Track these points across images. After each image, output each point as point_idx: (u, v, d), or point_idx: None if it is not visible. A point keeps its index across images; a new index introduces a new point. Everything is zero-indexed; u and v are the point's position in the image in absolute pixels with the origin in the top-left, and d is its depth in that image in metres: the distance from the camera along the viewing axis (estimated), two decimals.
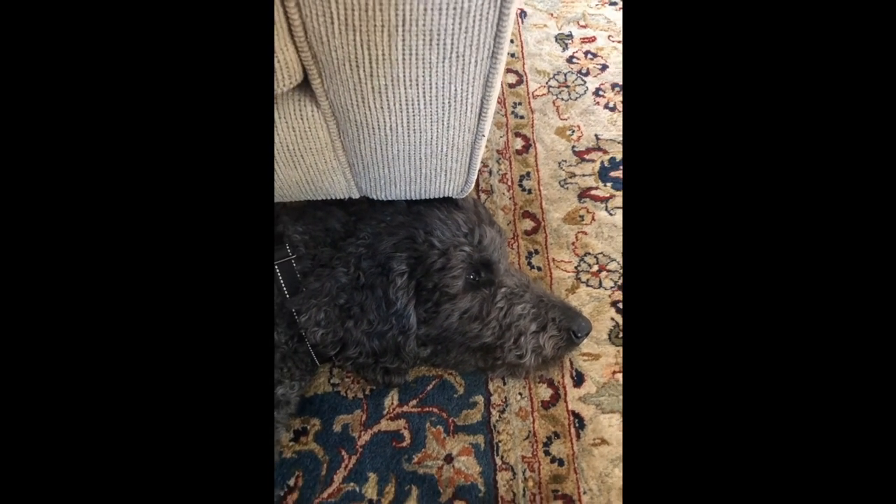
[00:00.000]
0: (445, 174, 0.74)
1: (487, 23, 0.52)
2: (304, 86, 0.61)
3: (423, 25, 0.51)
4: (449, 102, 0.61)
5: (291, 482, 0.80)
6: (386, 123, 0.63)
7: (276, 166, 0.70)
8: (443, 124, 0.64)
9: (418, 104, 0.60)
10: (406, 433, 0.83)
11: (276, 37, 0.52)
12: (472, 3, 0.50)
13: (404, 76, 0.57)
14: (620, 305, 0.94)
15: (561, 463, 0.81)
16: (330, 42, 0.53)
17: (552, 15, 1.31)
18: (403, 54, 0.54)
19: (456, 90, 0.59)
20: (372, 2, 0.49)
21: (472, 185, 0.77)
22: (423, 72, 0.56)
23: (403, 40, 0.53)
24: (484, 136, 0.68)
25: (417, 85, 0.58)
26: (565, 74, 1.22)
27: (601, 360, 0.89)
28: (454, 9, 0.50)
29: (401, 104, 0.60)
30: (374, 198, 0.80)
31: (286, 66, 0.56)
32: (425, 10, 0.50)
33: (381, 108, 0.61)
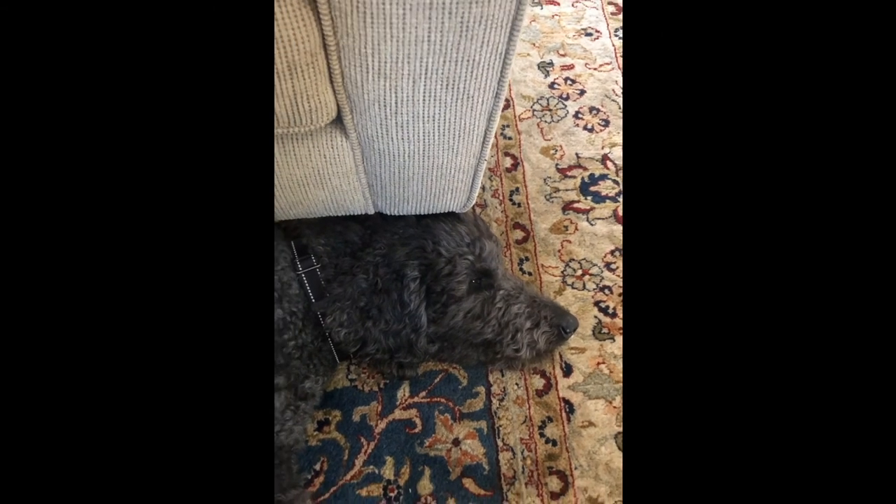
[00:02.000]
0: (451, 193, 0.85)
1: (493, 71, 0.64)
2: (337, 121, 0.72)
3: (442, 74, 0.63)
4: (459, 134, 0.72)
5: (318, 467, 0.89)
6: (405, 152, 0.74)
7: (306, 188, 0.81)
8: (452, 152, 0.75)
9: (433, 136, 0.72)
10: (418, 421, 0.94)
11: (317, 82, 0.63)
12: (482, 56, 0.62)
13: (423, 113, 0.68)
14: (602, 305, 1.06)
15: (554, 443, 0.93)
16: (363, 87, 0.65)
17: (534, 45, 1.44)
18: (424, 96, 0.66)
19: (465, 124, 0.71)
20: (401, 56, 0.61)
21: (474, 201, 0.89)
22: (439, 110, 0.68)
23: (425, 85, 0.64)
24: (485, 160, 0.80)
25: (434, 120, 0.69)
26: (548, 99, 1.35)
27: (587, 352, 1.01)
28: (467, 61, 0.62)
29: (419, 136, 0.72)
30: (387, 213, 0.91)
31: (325, 106, 0.67)
32: (444, 62, 0.62)
33: (402, 139, 0.72)
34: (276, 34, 0.56)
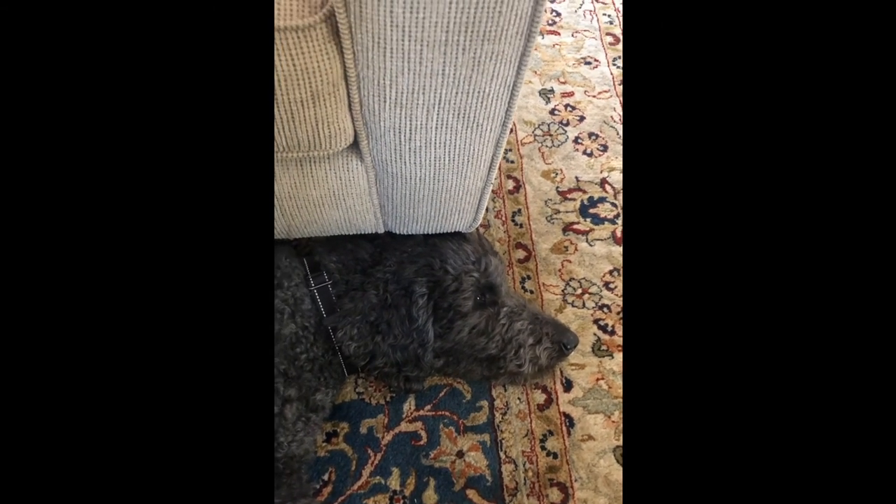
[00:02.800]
0: (458, 213, 0.90)
1: (502, 102, 0.69)
2: (353, 146, 0.76)
3: (454, 104, 0.68)
4: (468, 159, 0.77)
5: (326, 477, 0.92)
6: (416, 175, 0.79)
7: (321, 208, 0.85)
8: (461, 176, 0.80)
9: (444, 160, 0.76)
10: (423, 433, 0.97)
11: (337, 110, 0.68)
12: (491, 88, 0.67)
13: (436, 140, 0.73)
14: (601, 323, 1.10)
15: (555, 456, 0.96)
16: (380, 115, 0.69)
17: (536, 72, 1.50)
18: (437, 124, 0.70)
19: (474, 150, 0.76)
20: (416, 87, 0.65)
21: (480, 221, 0.94)
22: (451, 137, 0.73)
23: (438, 114, 0.69)
24: (492, 183, 0.84)
25: (445, 146, 0.74)
26: (548, 125, 1.40)
27: (586, 368, 1.05)
28: (478, 92, 0.67)
29: (430, 161, 0.76)
30: (397, 232, 0.96)
31: (343, 132, 0.71)
32: (457, 93, 0.66)
33: (415, 163, 0.76)
34: (302, 65, 0.61)
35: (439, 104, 0.68)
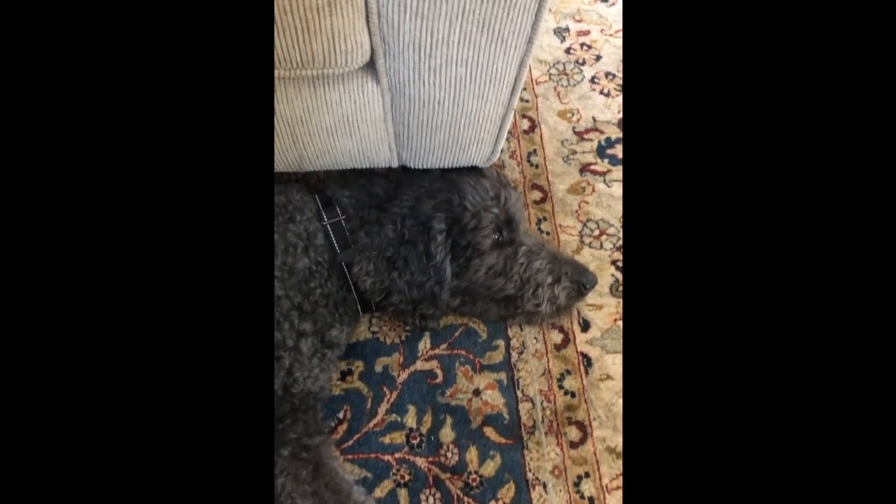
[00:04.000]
0: (477, 144, 0.86)
1: (529, 13, 0.65)
2: (369, 66, 0.72)
3: (478, 14, 0.64)
4: (490, 80, 0.73)
5: (341, 415, 0.91)
6: (435, 97, 0.75)
7: (334, 136, 0.82)
8: (483, 99, 0.76)
9: (465, 80, 0.72)
10: (439, 372, 0.95)
11: (355, 21, 0.64)
12: None
13: (457, 56, 0.69)
14: (619, 264, 1.07)
15: (573, 395, 0.94)
16: (400, 27, 0.65)
17: (550, 10, 1.43)
18: (459, 38, 0.66)
19: (497, 69, 0.72)
20: None
21: (498, 154, 0.90)
22: (473, 53, 0.68)
23: (461, 27, 0.65)
24: (513, 109, 0.80)
25: (467, 64, 0.70)
26: (564, 64, 1.35)
27: (604, 309, 1.03)
28: (504, 1, 0.62)
29: (451, 81, 0.72)
30: (412, 166, 0.92)
31: (360, 47, 0.67)
32: (482, 1, 0.62)
33: (434, 84, 0.72)
34: None
35: (463, 14, 0.63)
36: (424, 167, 0.92)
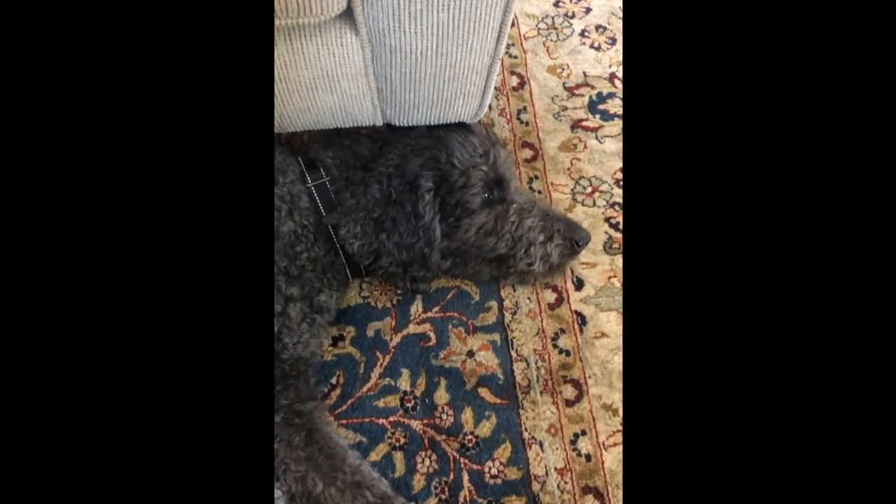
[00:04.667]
0: (463, 98, 0.83)
1: None
2: (346, 15, 0.69)
3: None
4: (473, 26, 0.70)
5: (334, 381, 0.90)
6: (417, 48, 0.72)
7: (314, 92, 0.78)
8: (466, 47, 0.73)
9: (447, 28, 0.69)
10: (432, 334, 0.94)
11: None
12: None
13: (439, 1, 0.65)
14: (612, 221, 1.05)
15: (568, 354, 0.93)
16: None
17: None
18: None
19: (480, 15, 0.68)
20: None
21: (486, 109, 0.87)
22: None
23: None
24: (499, 59, 0.77)
25: (448, 9, 0.66)
26: (553, 17, 1.31)
27: (598, 267, 1.01)
28: None
29: (433, 28, 0.69)
30: (397, 123, 0.89)
31: None
32: None
33: (415, 32, 0.69)
34: None
35: None
36: (410, 124, 0.89)
